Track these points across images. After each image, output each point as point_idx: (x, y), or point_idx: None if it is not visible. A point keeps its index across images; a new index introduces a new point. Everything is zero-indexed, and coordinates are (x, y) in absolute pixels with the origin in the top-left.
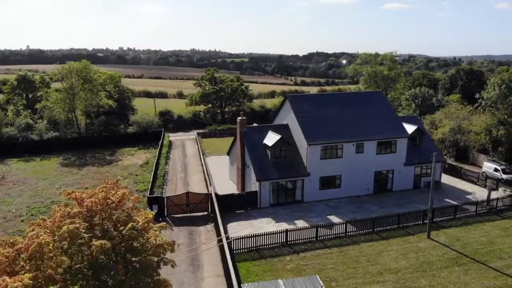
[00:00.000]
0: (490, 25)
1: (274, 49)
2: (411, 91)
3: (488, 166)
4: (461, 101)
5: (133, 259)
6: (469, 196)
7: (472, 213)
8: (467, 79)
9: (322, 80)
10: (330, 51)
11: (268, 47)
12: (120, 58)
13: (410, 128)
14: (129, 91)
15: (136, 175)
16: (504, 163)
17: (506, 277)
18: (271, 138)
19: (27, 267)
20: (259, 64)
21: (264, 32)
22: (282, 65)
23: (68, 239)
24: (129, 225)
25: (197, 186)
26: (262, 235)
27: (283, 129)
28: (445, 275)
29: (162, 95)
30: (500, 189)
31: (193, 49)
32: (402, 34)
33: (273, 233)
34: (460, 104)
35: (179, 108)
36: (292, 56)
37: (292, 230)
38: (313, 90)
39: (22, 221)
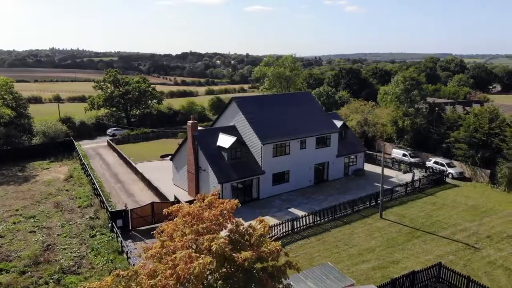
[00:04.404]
0: (341, 26)
1: (145, 48)
2: (316, 90)
3: (397, 152)
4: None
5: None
6: (393, 179)
7: (403, 194)
8: (348, 77)
9: (202, 80)
10: (203, 51)
11: (138, 45)
12: None
13: (338, 124)
14: (24, 98)
15: (67, 190)
16: (409, 148)
17: (456, 242)
18: (226, 140)
19: None
20: (131, 63)
21: (132, 30)
22: (157, 64)
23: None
24: (258, 232)
25: (142, 196)
26: None
27: (232, 131)
28: (410, 247)
29: (36, 100)
30: (416, 171)
31: (53, 48)
32: (269, 36)
33: None
34: (348, 98)
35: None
36: (166, 55)
37: (273, 226)
38: (201, 90)
39: None
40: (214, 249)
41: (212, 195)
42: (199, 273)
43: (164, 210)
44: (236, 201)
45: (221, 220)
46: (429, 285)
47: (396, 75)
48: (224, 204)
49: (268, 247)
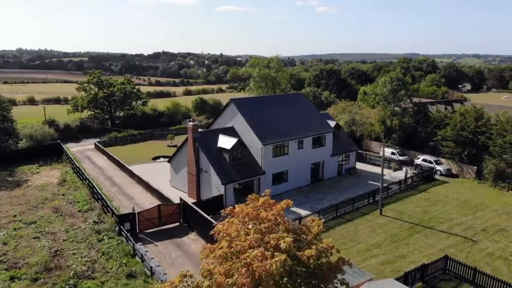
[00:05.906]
0: (313, 26)
1: (116, 47)
2: (303, 90)
3: (385, 151)
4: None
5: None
6: (385, 177)
7: (397, 191)
8: (328, 77)
9: (177, 80)
10: (176, 51)
11: (108, 45)
12: None
13: (331, 124)
14: (6, 100)
15: (63, 194)
16: (397, 147)
17: (455, 236)
18: (227, 142)
19: None
20: (102, 64)
21: (102, 29)
22: (129, 65)
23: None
24: (315, 230)
25: (142, 198)
26: None
27: (231, 132)
28: (413, 241)
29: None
30: (407, 169)
31: (20, 48)
32: (242, 36)
33: None
34: (334, 98)
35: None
36: (137, 55)
37: None
38: (178, 90)
39: None
40: (283, 247)
41: (265, 195)
42: (276, 270)
43: (222, 211)
44: (291, 201)
45: (279, 220)
46: (437, 277)
47: (382, 76)
48: (282, 203)
49: (321, 245)
